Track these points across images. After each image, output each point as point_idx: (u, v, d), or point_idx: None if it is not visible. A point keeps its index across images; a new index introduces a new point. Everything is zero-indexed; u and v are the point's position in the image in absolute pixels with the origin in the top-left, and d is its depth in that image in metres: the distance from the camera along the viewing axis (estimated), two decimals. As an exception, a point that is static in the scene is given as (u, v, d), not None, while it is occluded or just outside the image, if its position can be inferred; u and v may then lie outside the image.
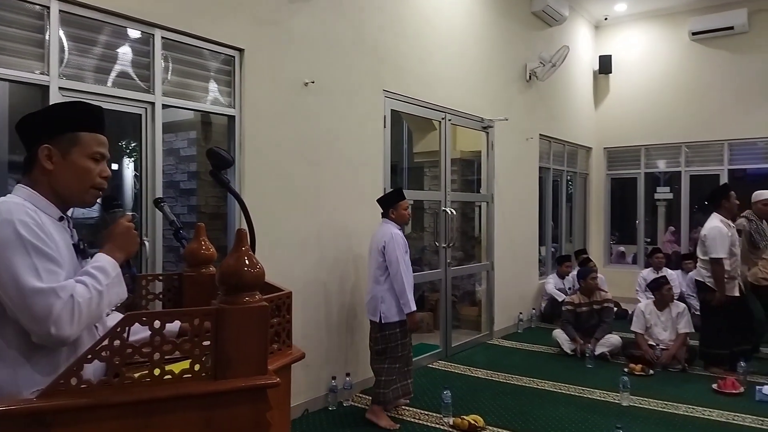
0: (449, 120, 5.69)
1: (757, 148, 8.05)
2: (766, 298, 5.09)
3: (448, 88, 5.65)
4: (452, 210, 5.61)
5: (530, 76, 7.07)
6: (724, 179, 8.19)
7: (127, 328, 1.28)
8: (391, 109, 4.90)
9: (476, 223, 6.91)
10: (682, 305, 5.41)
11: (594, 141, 9.13)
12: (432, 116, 5.57)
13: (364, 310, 4.59)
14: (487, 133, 6.36)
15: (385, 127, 4.81)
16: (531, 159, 7.34)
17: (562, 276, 7.32)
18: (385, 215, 4.06)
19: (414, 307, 3.84)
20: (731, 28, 7.89)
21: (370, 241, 4.05)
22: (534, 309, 7.23)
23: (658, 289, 5.34)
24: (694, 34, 8.22)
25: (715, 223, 4.92)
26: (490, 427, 3.75)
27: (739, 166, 8.33)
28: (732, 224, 5.04)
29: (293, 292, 1.76)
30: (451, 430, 3.74)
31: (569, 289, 7.16)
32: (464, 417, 3.78)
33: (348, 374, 4.26)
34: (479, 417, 3.79)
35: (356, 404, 4.23)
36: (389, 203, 4.04)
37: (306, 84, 4.04)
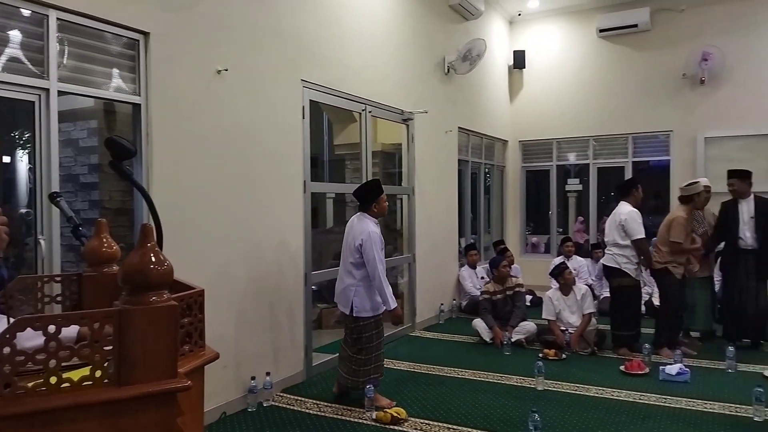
0: (369, 112, 5.71)
1: (659, 141, 8.68)
2: (660, 281, 5.40)
3: (368, 79, 5.67)
4: (373, 203, 5.64)
5: (449, 69, 7.22)
6: (628, 171, 8.78)
7: (17, 334, 1.19)
8: (310, 100, 4.84)
9: (398, 215, 7.00)
10: (584, 287, 5.76)
11: (510, 134, 9.50)
12: (352, 108, 5.57)
13: (287, 307, 4.53)
14: (408, 125, 6.44)
15: (303, 118, 4.74)
16: (450, 152, 7.51)
17: (472, 266, 7.53)
18: (363, 209, 4.07)
19: (395, 304, 3.98)
20: (635, 26, 8.43)
21: (346, 232, 4.11)
22: (455, 300, 7.43)
23: (560, 275, 5.68)
24: (601, 31, 8.72)
25: (629, 209, 5.27)
26: (412, 419, 3.82)
27: (642, 159, 8.95)
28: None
29: (207, 290, 1.70)
30: (374, 424, 3.78)
31: (482, 278, 7.42)
32: (387, 410, 3.82)
33: (268, 373, 4.19)
34: (402, 409, 3.85)
35: (277, 404, 4.17)
36: (371, 197, 4.06)
37: (219, 72, 3.91)
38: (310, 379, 4.72)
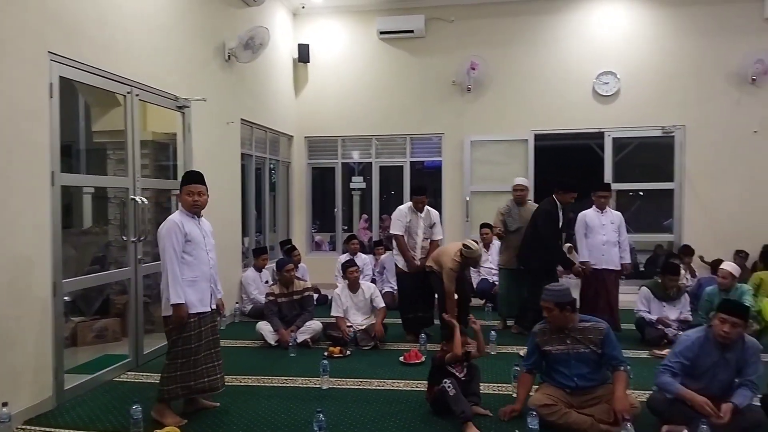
0: (137, 95, 5.24)
1: (432, 143, 9.56)
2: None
3: (135, 58, 5.19)
4: (143, 199, 5.20)
5: (229, 56, 7.00)
6: (406, 170, 9.51)
7: None
8: (60, 77, 4.25)
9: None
10: (372, 285, 6.12)
11: (295, 129, 9.58)
12: (115, 89, 5.04)
13: (29, 323, 3.95)
14: (184, 113, 6.07)
15: (51, 97, 4.15)
16: (232, 145, 7.29)
17: (258, 269, 7.44)
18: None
19: (176, 300, 3.68)
20: (411, 31, 9.16)
21: None
22: (237, 303, 7.23)
23: (346, 273, 5.92)
24: (381, 33, 9.29)
25: (401, 207, 6.00)
26: (188, 436, 3.61)
27: (418, 159, 9.77)
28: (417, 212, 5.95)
29: None
30: (141, 448, 3.47)
31: (266, 283, 7.36)
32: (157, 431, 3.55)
33: (5, 404, 3.57)
34: (175, 428, 3.60)
35: (17, 440, 3.58)
36: (180, 189, 3.88)
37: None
38: (62, 406, 4.16)
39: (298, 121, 9.61)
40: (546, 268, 5.83)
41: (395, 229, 6.03)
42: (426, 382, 4.12)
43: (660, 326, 5.63)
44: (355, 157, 9.94)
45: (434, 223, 6.08)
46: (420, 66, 9.34)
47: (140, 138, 5.36)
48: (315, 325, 5.89)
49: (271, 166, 9.04)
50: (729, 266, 5.49)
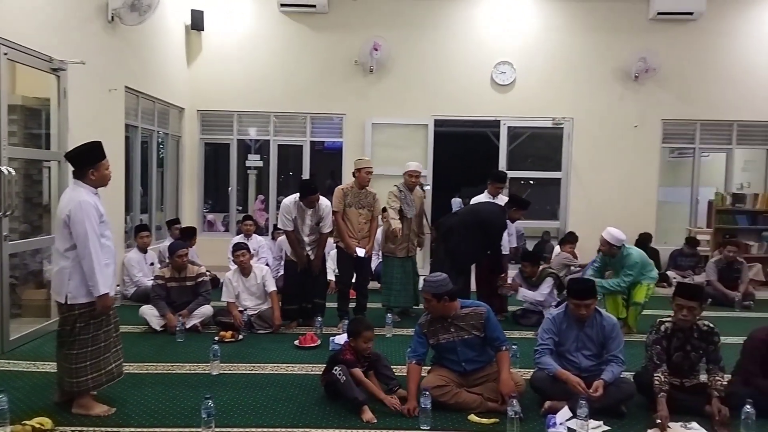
0: (5, 54, 4.77)
1: (333, 123, 9.52)
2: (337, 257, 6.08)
3: (3, 13, 4.71)
4: (10, 170, 4.77)
5: (113, 17, 6.53)
6: (306, 150, 9.41)
7: None
8: None
9: (45, 186, 6.06)
10: (265, 268, 6.03)
11: (187, 101, 9.16)
12: (-24, 45, 4.56)
13: None
14: (59, 77, 5.61)
15: None
16: (115, 114, 6.86)
17: (142, 250, 7.08)
18: (77, 176, 3.51)
19: (103, 290, 3.47)
20: (314, 6, 9.00)
21: (58, 206, 3.46)
22: (118, 286, 6.85)
23: (235, 257, 5.79)
24: (282, 5, 9.06)
25: (287, 202, 5.71)
26: (60, 428, 3.39)
27: (318, 139, 9.70)
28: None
29: None
30: (12, 442, 3.22)
31: (151, 265, 7.03)
32: (26, 422, 3.30)
33: None
34: (47, 419, 3.38)
35: None
36: (87, 162, 3.52)
37: None
38: None
39: (190, 92, 9.19)
40: (471, 263, 6.17)
41: (282, 224, 5.77)
42: (321, 365, 4.15)
43: (531, 315, 6.10)
44: (252, 134, 9.69)
45: (323, 217, 5.74)
46: (322, 43, 9.23)
47: (8, 102, 4.90)
48: (205, 309, 5.71)
49: (160, 139, 8.60)
50: (606, 234, 5.74)
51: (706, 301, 3.84)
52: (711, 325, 3.79)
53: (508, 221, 6.13)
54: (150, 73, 7.81)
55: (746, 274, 7.43)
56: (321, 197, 5.73)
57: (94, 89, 6.23)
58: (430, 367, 4.02)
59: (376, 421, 3.57)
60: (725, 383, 3.69)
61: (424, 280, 3.87)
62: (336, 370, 3.75)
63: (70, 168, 3.63)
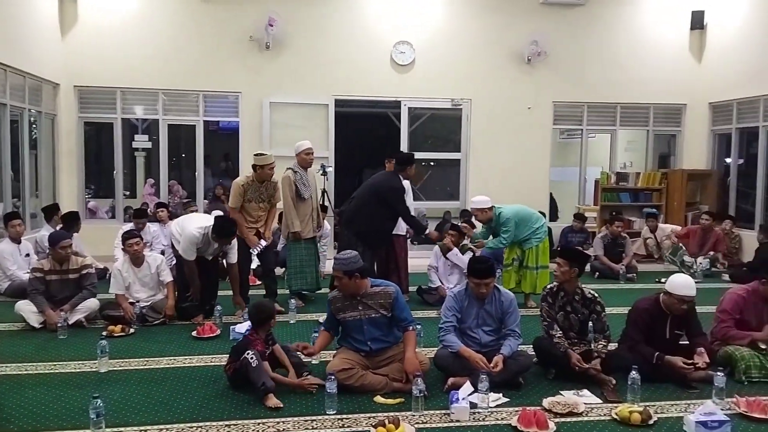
0: None
1: (229, 102, 9.22)
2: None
3: None
4: None
5: (-28, -19, 5.92)
6: (200, 130, 9.06)
7: None
8: None
9: None
10: (160, 257, 5.79)
11: (62, 77, 8.50)
12: None
13: None
14: None
15: None
16: (-23, 90, 6.25)
17: (15, 240, 6.50)
18: None
19: None
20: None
21: None
22: (-11, 281, 6.31)
23: (125, 246, 5.50)
24: (170, -25, 8.61)
25: (194, 232, 5.29)
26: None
27: (212, 118, 9.36)
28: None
29: None
30: None
31: (26, 256, 6.53)
32: None
33: None
34: None
35: None
36: None
37: None
38: None
39: (65, 67, 8.52)
40: (384, 241, 6.10)
41: (183, 252, 5.29)
42: (221, 356, 4.06)
43: (434, 292, 6.27)
44: (139, 113, 9.18)
45: (227, 253, 5.52)
46: (215, 16, 8.86)
47: None
48: (91, 303, 5.38)
49: (32, 118, 7.94)
50: (472, 204, 6.12)
51: (583, 265, 4.19)
52: (595, 294, 4.17)
53: (407, 184, 6.19)
54: (17, 44, 7.18)
55: (630, 249, 8.08)
56: None
57: (-50, 61, 5.64)
58: (335, 351, 4.05)
59: (282, 406, 3.55)
60: (609, 349, 4.05)
61: (335, 257, 3.91)
62: (248, 353, 3.69)
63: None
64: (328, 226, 7.46)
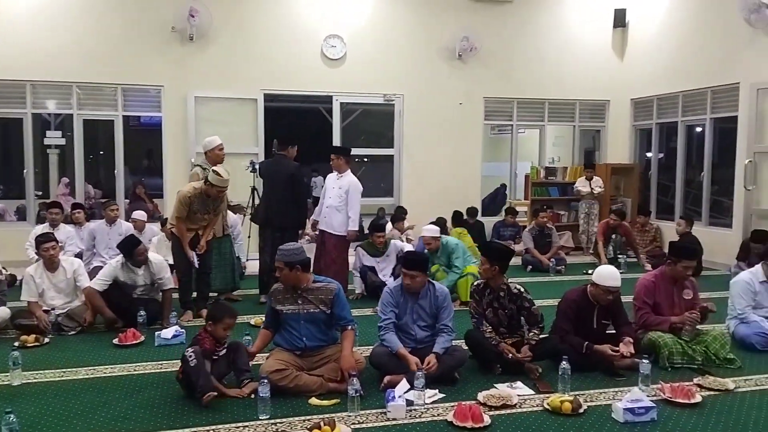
0: None
1: (150, 96, 8.89)
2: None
3: None
4: None
5: None
6: (119, 126, 8.70)
7: None
8: None
9: None
10: (77, 261, 5.55)
11: (-36, 68, 7.96)
12: None
13: None
14: None
15: None
16: None
17: None
18: None
19: None
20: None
21: None
22: None
23: (40, 250, 5.20)
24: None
25: (113, 263, 5.32)
26: None
27: (133, 113, 9.01)
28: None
29: None
30: None
31: None
32: None
33: None
34: None
35: None
36: None
37: None
38: None
39: (-33, 57, 7.99)
40: (297, 228, 6.25)
41: (99, 286, 5.17)
42: (146, 363, 3.91)
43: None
44: (51, 107, 8.72)
45: (155, 273, 5.41)
46: (134, 4, 8.53)
47: None
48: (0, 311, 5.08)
49: (-71, 113, 7.40)
50: (426, 232, 6.32)
51: (503, 262, 4.28)
52: (521, 289, 4.30)
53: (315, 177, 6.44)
54: None
55: (556, 239, 8.39)
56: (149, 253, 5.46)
57: None
58: (269, 353, 3.99)
59: (215, 393, 3.57)
60: (539, 338, 4.20)
61: (278, 249, 3.90)
62: (188, 351, 3.59)
63: None
64: (238, 221, 7.36)
